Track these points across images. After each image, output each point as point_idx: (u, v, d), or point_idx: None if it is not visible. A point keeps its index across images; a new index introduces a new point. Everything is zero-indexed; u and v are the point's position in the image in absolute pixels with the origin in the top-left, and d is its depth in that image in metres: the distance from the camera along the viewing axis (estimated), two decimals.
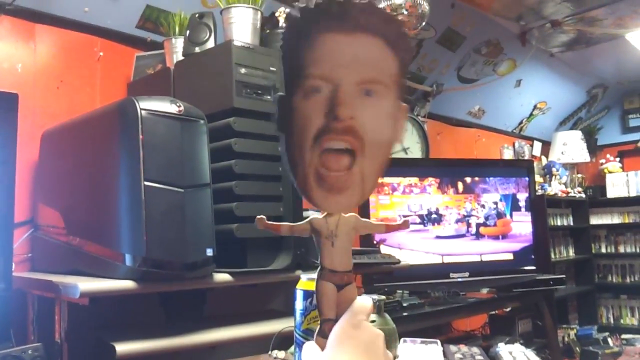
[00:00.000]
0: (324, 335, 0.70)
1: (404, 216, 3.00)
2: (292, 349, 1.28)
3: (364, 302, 0.71)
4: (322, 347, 0.69)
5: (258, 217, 0.72)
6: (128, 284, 1.51)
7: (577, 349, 4.55)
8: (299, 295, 0.99)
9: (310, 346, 0.71)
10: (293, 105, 0.70)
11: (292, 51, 0.71)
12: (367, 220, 0.74)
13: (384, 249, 2.75)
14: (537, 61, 4.80)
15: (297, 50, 0.70)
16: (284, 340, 1.59)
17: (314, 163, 0.69)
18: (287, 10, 2.09)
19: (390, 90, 0.71)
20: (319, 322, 0.96)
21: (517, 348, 1.51)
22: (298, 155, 0.70)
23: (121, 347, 1.46)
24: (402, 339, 1.45)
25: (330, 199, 0.70)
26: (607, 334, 4.84)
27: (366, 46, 0.70)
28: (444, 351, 1.46)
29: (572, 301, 5.81)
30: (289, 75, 0.71)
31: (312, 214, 2.08)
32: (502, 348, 1.50)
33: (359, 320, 0.69)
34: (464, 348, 1.52)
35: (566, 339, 4.87)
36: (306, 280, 1.00)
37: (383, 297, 1.36)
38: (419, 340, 1.45)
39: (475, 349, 1.52)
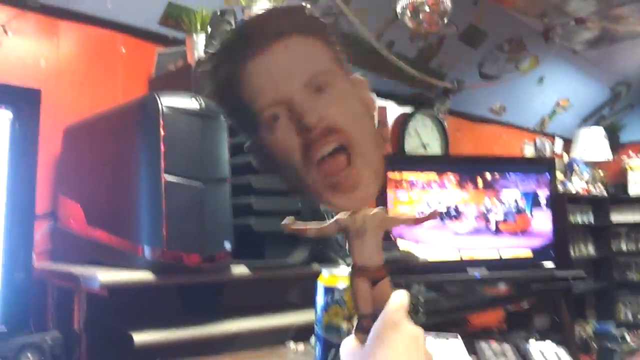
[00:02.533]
0: (362, 330, 0.70)
1: (422, 213, 3.00)
2: (312, 341, 1.29)
3: (400, 298, 0.70)
4: (361, 342, 0.69)
5: (285, 221, 0.72)
6: (147, 276, 1.54)
7: (595, 345, 4.52)
8: (320, 290, 1.00)
9: (349, 342, 0.71)
10: (265, 143, 0.69)
11: (230, 99, 0.70)
12: (395, 214, 0.75)
13: (401, 244, 2.76)
14: (559, 58, 4.76)
15: (235, 94, 0.69)
16: (300, 333, 1.61)
17: (318, 176, 0.69)
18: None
19: (336, 73, 0.70)
20: (341, 317, 0.98)
21: (548, 346, 1.50)
22: (299, 179, 0.69)
23: (139, 337, 1.49)
24: None
25: (349, 199, 0.70)
26: (624, 330, 4.80)
27: (289, 49, 0.68)
28: (475, 348, 1.46)
29: (590, 297, 5.75)
30: (242, 121, 0.70)
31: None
32: (533, 345, 1.49)
33: (398, 318, 0.68)
34: (494, 345, 1.52)
35: (583, 335, 4.83)
36: (327, 276, 1.01)
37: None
38: (433, 334, 1.46)
39: (506, 346, 1.52)
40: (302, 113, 0.67)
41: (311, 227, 0.73)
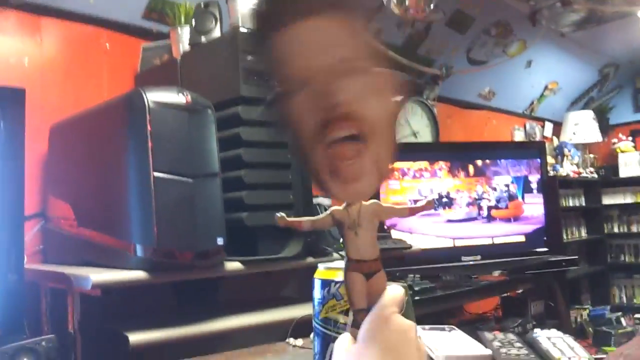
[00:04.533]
0: (357, 325, 0.68)
1: (415, 201, 2.99)
2: (311, 336, 1.28)
3: (394, 293, 0.69)
4: (355, 338, 0.68)
5: (278, 215, 0.70)
6: (139, 275, 1.52)
7: (590, 329, 4.54)
8: (317, 284, 0.99)
9: (344, 338, 0.70)
10: (285, 108, 0.67)
11: (266, 53, 0.67)
12: (389, 205, 0.73)
13: (394, 234, 2.75)
14: (547, 41, 4.76)
15: (270, 51, 0.66)
16: (299, 328, 1.60)
17: (324, 157, 0.66)
18: None
19: (370, 63, 0.67)
20: (338, 311, 0.97)
21: (555, 334, 1.49)
22: (305, 153, 0.67)
23: (134, 337, 1.47)
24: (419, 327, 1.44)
25: (347, 189, 0.68)
26: (620, 313, 4.82)
27: (332, 27, 0.65)
28: (479, 338, 1.45)
29: (585, 282, 5.79)
30: (271, 78, 0.68)
31: (322, 201, 2.08)
32: (540, 334, 1.48)
33: (389, 312, 0.67)
34: (499, 335, 1.51)
35: (579, 319, 4.86)
36: (324, 270, 1.00)
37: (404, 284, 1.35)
38: (427, 327, 1.45)
39: (511, 336, 1.51)
40: (330, 90, 0.65)
41: (305, 220, 0.72)
